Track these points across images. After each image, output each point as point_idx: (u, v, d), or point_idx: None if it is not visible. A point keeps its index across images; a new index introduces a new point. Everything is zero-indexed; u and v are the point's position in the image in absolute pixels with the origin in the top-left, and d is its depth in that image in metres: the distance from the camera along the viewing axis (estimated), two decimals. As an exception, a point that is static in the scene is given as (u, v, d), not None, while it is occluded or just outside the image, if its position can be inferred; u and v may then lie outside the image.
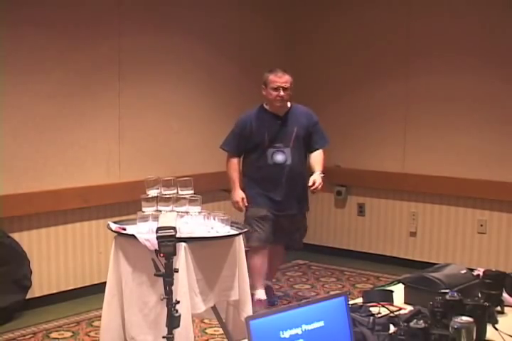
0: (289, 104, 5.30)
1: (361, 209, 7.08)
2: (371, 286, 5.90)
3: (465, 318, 2.26)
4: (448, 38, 6.38)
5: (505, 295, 2.82)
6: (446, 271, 2.90)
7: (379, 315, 2.59)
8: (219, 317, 4.20)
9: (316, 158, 5.30)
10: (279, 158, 5.19)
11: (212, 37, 6.60)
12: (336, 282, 6.36)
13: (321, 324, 2.01)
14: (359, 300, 2.83)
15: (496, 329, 2.46)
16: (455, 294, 2.47)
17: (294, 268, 6.81)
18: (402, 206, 6.81)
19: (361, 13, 6.94)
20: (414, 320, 2.27)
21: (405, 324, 2.28)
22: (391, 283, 3.17)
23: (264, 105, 5.29)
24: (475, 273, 2.96)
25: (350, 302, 2.78)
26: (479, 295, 2.73)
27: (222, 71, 6.74)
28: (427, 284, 2.79)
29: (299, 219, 5.46)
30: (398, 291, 2.92)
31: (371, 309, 2.66)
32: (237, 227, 4.10)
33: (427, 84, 6.55)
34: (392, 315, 2.57)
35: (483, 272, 2.87)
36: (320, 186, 5.10)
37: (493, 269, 2.89)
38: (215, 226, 3.99)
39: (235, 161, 5.32)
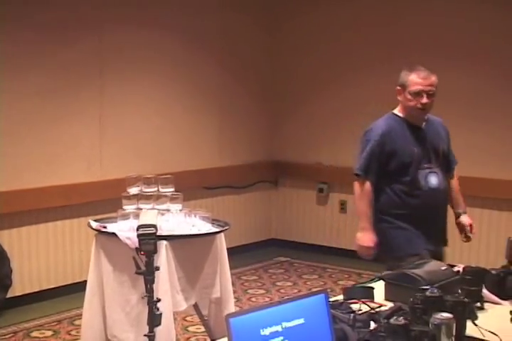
0: None
1: (343, 206, 7.09)
2: (353, 283, 5.92)
3: (445, 314, 2.27)
4: (432, 39, 6.41)
5: (484, 291, 2.84)
6: (427, 268, 2.91)
7: (360, 312, 2.60)
8: (201, 314, 4.20)
9: (457, 187, 4.20)
10: (434, 181, 3.92)
11: (195, 34, 6.58)
12: (318, 279, 6.37)
13: (301, 321, 2.01)
14: (340, 297, 2.84)
15: (476, 325, 2.47)
16: (435, 290, 2.47)
17: (276, 266, 6.81)
18: (384, 203, 6.81)
19: (338, 9, 6.94)
20: (395, 317, 2.28)
21: (386, 320, 2.28)
22: (372, 280, 3.18)
23: (397, 112, 4.00)
24: (455, 269, 2.96)
25: (332, 299, 2.79)
26: (459, 291, 2.73)
27: (205, 68, 6.73)
28: (407, 281, 2.80)
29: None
30: (379, 288, 2.93)
31: (352, 306, 2.67)
32: (218, 225, 4.09)
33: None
34: (372, 311, 2.58)
35: (463, 268, 2.87)
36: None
37: (473, 265, 2.90)
38: (197, 224, 3.99)
39: (369, 192, 3.91)
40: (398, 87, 3.94)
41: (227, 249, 4.19)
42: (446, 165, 4.06)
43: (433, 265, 2.97)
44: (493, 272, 2.88)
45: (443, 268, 2.95)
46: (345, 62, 6.95)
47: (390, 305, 2.70)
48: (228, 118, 7.00)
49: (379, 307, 2.68)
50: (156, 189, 4.04)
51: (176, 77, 6.49)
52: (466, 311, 2.45)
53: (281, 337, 1.97)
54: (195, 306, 4.09)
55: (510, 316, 2.64)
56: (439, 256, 3.89)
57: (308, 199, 7.29)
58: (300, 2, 7.20)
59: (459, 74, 6.20)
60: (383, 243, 3.95)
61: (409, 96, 3.86)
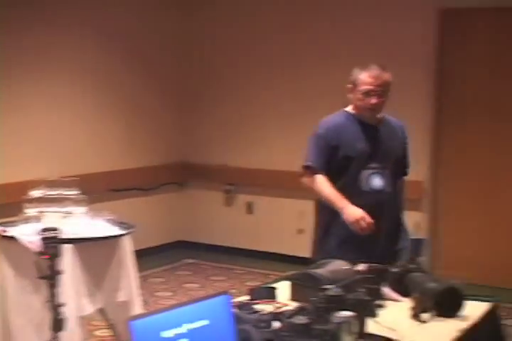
0: None
1: (250, 208, 7.14)
2: (260, 284, 5.95)
3: (346, 313, 2.33)
4: (341, 38, 6.52)
5: (385, 289, 2.91)
6: (330, 267, 2.97)
7: (264, 312, 2.62)
8: (107, 318, 4.15)
9: (404, 192, 3.98)
10: (377, 182, 3.75)
11: (101, 31, 6.46)
12: (225, 280, 6.39)
13: (205, 322, 2.02)
14: (246, 298, 2.86)
15: (376, 322, 2.53)
16: (337, 290, 2.53)
17: (183, 268, 6.80)
18: (291, 204, 6.90)
19: (248, 9, 6.98)
20: (297, 316, 2.32)
21: (288, 320, 2.32)
22: (277, 281, 3.22)
23: (350, 110, 3.84)
24: (358, 268, 3.03)
25: (237, 299, 2.82)
26: (361, 290, 2.79)
27: (111, 68, 6.64)
28: (311, 280, 2.85)
29: None
30: (284, 288, 2.97)
31: (257, 306, 2.70)
32: (123, 227, 4.06)
33: (319, 84, 6.60)
34: (276, 311, 2.61)
35: (365, 267, 2.94)
36: None
37: (375, 264, 2.98)
38: (102, 227, 3.95)
39: (323, 180, 3.74)
40: (349, 85, 3.75)
41: (135, 252, 4.15)
42: (399, 169, 3.88)
43: (336, 264, 3.03)
44: (394, 270, 2.96)
45: (346, 267, 3.02)
46: (256, 64, 6.98)
47: (294, 304, 2.74)
48: (136, 120, 6.93)
49: (283, 307, 2.72)
50: (59, 192, 3.98)
51: (81, 78, 6.39)
52: (367, 309, 2.52)
53: (186, 339, 1.97)
54: (102, 310, 4.05)
55: (409, 312, 2.72)
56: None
57: (215, 201, 7.30)
58: (209, 2, 7.20)
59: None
60: (317, 243, 3.98)
61: (359, 96, 3.70)
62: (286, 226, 6.93)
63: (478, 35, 6.08)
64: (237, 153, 7.12)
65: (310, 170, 3.79)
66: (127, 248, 4.04)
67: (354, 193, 3.68)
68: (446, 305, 2.70)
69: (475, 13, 6.04)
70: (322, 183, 3.73)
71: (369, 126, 3.78)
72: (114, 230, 3.96)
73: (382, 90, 3.67)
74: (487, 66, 6.07)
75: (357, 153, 3.72)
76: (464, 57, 6.14)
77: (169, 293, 5.94)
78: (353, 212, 3.58)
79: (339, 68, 6.46)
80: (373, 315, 2.61)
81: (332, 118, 3.87)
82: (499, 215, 6.09)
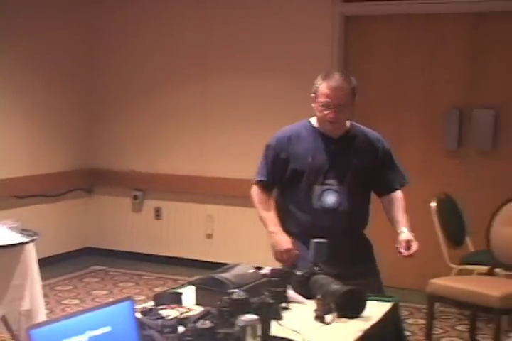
0: (348, 124, 3.56)
1: (158, 213, 7.10)
2: (168, 289, 5.93)
3: (250, 316, 2.35)
4: (244, 42, 6.59)
5: (290, 291, 2.95)
6: (235, 271, 2.98)
7: (169, 317, 2.62)
8: (9, 328, 4.06)
9: (399, 205, 3.54)
10: (330, 200, 3.45)
11: (4, 34, 6.34)
12: (134, 286, 6.34)
13: (107, 329, 2.01)
14: (151, 304, 2.85)
15: (280, 324, 2.56)
16: (241, 293, 2.55)
17: (91, 275, 6.70)
18: (199, 208, 6.91)
19: (155, 14, 6.95)
20: (201, 321, 2.32)
21: (192, 324, 2.32)
22: (182, 285, 3.22)
23: (312, 121, 3.57)
24: (262, 271, 3.06)
25: (142, 305, 2.80)
26: (266, 293, 2.82)
27: (14, 71, 6.51)
28: (216, 285, 2.85)
29: None
30: (190, 293, 2.97)
31: (162, 312, 2.69)
32: (27, 235, 3.98)
33: (224, 87, 6.68)
34: (181, 316, 2.61)
35: (270, 270, 2.97)
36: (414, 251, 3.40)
37: (280, 267, 3.01)
38: (4, 235, 3.86)
39: (259, 193, 3.57)
40: (312, 94, 3.45)
41: (40, 259, 4.08)
42: (375, 185, 3.56)
43: (241, 268, 3.05)
44: (298, 273, 3.00)
45: (251, 271, 3.04)
46: (160, 67, 6.96)
47: (200, 309, 2.74)
48: (41, 125, 6.80)
49: (188, 311, 2.72)
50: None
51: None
52: (271, 312, 2.54)
53: (88, 346, 1.95)
54: (4, 319, 3.96)
55: (313, 314, 2.76)
56: None
57: (123, 207, 7.23)
58: (115, 3, 7.12)
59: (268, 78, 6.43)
60: None
61: (318, 107, 3.41)
62: (195, 231, 6.93)
63: (380, 39, 6.26)
64: (144, 159, 7.08)
65: (254, 182, 3.59)
66: (31, 256, 3.97)
67: (305, 210, 3.45)
68: (349, 306, 2.75)
69: (376, 19, 6.23)
70: (259, 200, 3.55)
71: (329, 138, 3.48)
72: (17, 238, 3.88)
73: (341, 104, 3.36)
74: (388, 70, 6.24)
75: (308, 167, 3.44)
76: (366, 60, 6.30)
77: (77, 301, 5.85)
78: (278, 242, 3.40)
79: (248, 73, 6.58)
80: (278, 317, 2.64)
81: (288, 129, 3.61)
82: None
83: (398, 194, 3.58)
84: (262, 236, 6.54)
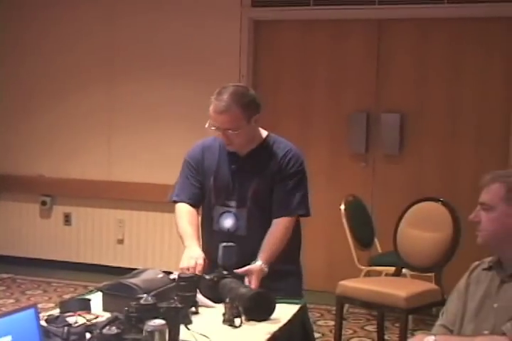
0: (263, 135, 3.27)
1: (67, 219, 6.98)
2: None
3: (158, 321, 2.33)
4: (152, 44, 6.56)
5: (199, 296, 2.94)
6: (144, 276, 2.95)
7: (76, 325, 2.58)
8: None
9: (273, 235, 3.15)
10: (228, 223, 3.23)
11: None
12: (42, 294, 6.21)
13: (8, 338, 1.96)
14: (57, 311, 2.80)
15: (188, 329, 2.56)
16: (149, 298, 2.53)
17: (-3, 283, 6.55)
18: (109, 214, 6.83)
19: (63, 16, 6.84)
20: (108, 327, 2.30)
21: (99, 331, 2.30)
22: (91, 292, 3.18)
23: None
24: (171, 276, 3.04)
25: (48, 313, 2.74)
26: (175, 297, 2.81)
27: None
28: (124, 290, 2.82)
29: None
30: (98, 299, 2.93)
31: (69, 319, 2.64)
32: None
33: (130, 90, 6.65)
34: (88, 323, 2.57)
35: (179, 275, 2.96)
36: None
37: (188, 272, 3.00)
38: None
39: (185, 213, 3.27)
40: None
41: None
42: (268, 207, 3.19)
43: (150, 273, 3.02)
44: (207, 277, 3.00)
45: (160, 275, 3.01)
46: (68, 71, 6.86)
47: (108, 315, 2.71)
48: None
49: (95, 318, 2.68)
50: None
51: None
52: (180, 316, 2.53)
53: (-11, 357, 1.90)
54: None
55: (222, 318, 2.77)
56: None
57: (31, 213, 7.07)
58: (17, 5, 6.96)
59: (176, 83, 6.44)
60: None
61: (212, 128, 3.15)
62: (106, 236, 6.86)
63: (288, 44, 6.34)
64: (53, 163, 6.96)
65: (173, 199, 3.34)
66: None
67: (208, 231, 3.28)
68: (257, 309, 2.77)
69: (284, 24, 6.31)
70: (177, 217, 3.28)
71: (234, 156, 3.23)
72: None
73: (229, 128, 3.09)
74: (296, 74, 6.33)
75: (211, 186, 3.23)
76: (275, 65, 6.36)
77: (-18, 310, 5.69)
78: (186, 257, 3.08)
79: (155, 75, 6.55)
80: (187, 322, 2.63)
81: (201, 142, 3.37)
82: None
83: (281, 223, 3.16)
84: (173, 241, 6.57)
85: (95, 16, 6.73)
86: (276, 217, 3.17)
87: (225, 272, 3.01)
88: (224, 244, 3.06)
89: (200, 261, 3.03)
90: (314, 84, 6.32)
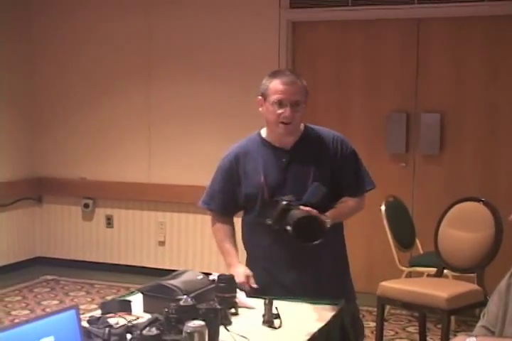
0: (302, 127, 3.28)
1: (109, 221, 7.05)
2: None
3: (197, 322, 2.35)
4: (190, 48, 6.60)
5: (239, 296, 2.96)
6: (183, 278, 2.98)
7: (117, 326, 2.61)
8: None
9: (345, 202, 3.27)
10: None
11: None
12: (85, 296, 6.28)
13: (50, 339, 1.99)
14: (98, 312, 2.83)
15: (228, 330, 2.57)
16: (189, 299, 2.55)
17: (42, 285, 6.62)
18: (150, 216, 6.88)
19: (102, 22, 6.91)
20: (148, 328, 2.32)
21: (139, 332, 2.32)
22: (131, 293, 3.21)
23: (261, 133, 3.31)
24: (211, 277, 3.06)
25: (90, 314, 2.78)
26: (214, 298, 2.83)
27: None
28: (164, 292, 2.85)
29: None
30: (139, 301, 2.96)
31: (109, 320, 2.68)
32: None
33: (169, 93, 6.69)
34: (129, 324, 2.60)
35: (218, 276, 2.98)
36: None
37: (227, 273, 3.01)
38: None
39: (219, 226, 3.36)
40: (259, 97, 3.20)
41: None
42: (332, 194, 3.18)
43: (189, 275, 3.04)
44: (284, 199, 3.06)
45: (199, 277, 3.04)
46: (106, 75, 6.92)
47: (148, 316, 2.73)
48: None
49: (136, 319, 2.71)
50: None
51: None
52: (219, 317, 2.54)
53: (31, 357, 1.94)
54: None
55: (262, 319, 2.78)
56: None
57: (74, 215, 7.16)
58: (57, 12, 7.06)
59: (213, 86, 6.47)
60: None
61: (270, 108, 3.13)
62: (147, 238, 6.91)
63: (326, 45, 6.33)
64: (95, 166, 7.03)
65: (211, 214, 3.36)
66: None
67: (264, 232, 3.18)
68: (306, 231, 2.91)
69: (322, 25, 6.30)
70: (214, 230, 3.36)
71: (280, 150, 3.21)
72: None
73: (297, 100, 3.12)
74: (334, 75, 6.31)
75: (262, 185, 3.18)
76: (313, 66, 6.35)
77: (26, 312, 5.77)
78: (237, 275, 3.10)
79: (193, 79, 6.58)
80: (226, 323, 2.65)
81: (237, 146, 3.32)
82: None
83: (354, 199, 3.28)
84: (213, 243, 6.57)
85: (133, 21, 6.78)
86: (340, 198, 3.24)
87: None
88: (315, 183, 3.08)
89: (248, 273, 3.18)
90: (352, 85, 6.30)
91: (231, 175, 3.26)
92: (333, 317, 2.87)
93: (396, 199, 5.57)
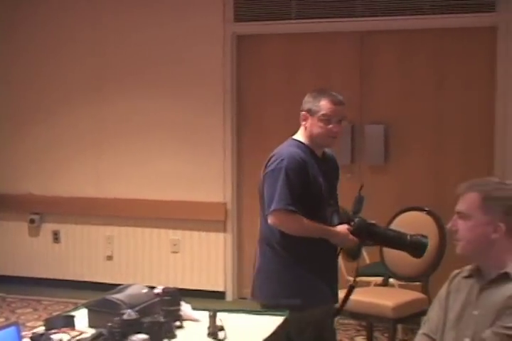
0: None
1: (56, 236, 6.96)
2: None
3: (140, 336, 2.36)
4: (138, 62, 6.60)
5: (184, 309, 2.96)
6: (128, 292, 2.97)
7: (60, 342, 2.59)
8: None
9: None
10: (336, 221, 3.52)
11: None
12: (32, 312, 6.19)
13: (-10, 356, 1.98)
14: (42, 329, 2.81)
15: (172, 343, 2.58)
16: (132, 313, 2.55)
17: (-13, 303, 6.53)
18: (98, 230, 6.83)
19: (52, 35, 6.87)
20: (91, 343, 2.31)
21: (82, 347, 2.31)
22: (76, 308, 3.19)
23: (300, 139, 3.53)
24: (155, 291, 3.06)
25: (33, 330, 2.76)
26: (159, 312, 2.83)
27: None
28: (109, 306, 2.84)
29: None
30: (84, 316, 2.94)
31: (53, 336, 2.66)
32: None
33: (121, 108, 6.66)
34: (72, 340, 2.59)
35: (163, 290, 2.98)
36: None
37: (172, 286, 3.02)
38: None
39: (303, 218, 3.37)
40: (303, 112, 3.52)
41: None
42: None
43: (135, 288, 3.04)
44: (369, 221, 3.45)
45: (144, 290, 3.03)
46: (58, 89, 6.86)
47: (93, 331, 2.72)
48: None
49: (79, 334, 2.69)
50: None
51: None
52: (163, 331, 2.55)
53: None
54: None
55: (206, 331, 2.78)
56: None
57: (19, 231, 7.06)
58: (13, 27, 7.00)
59: (167, 101, 6.48)
60: (279, 288, 3.40)
61: (319, 123, 3.44)
62: (95, 253, 6.85)
63: (271, 58, 6.38)
64: (42, 181, 6.95)
65: (285, 212, 3.34)
66: None
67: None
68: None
69: (267, 38, 6.36)
70: (303, 220, 3.35)
71: (317, 157, 3.51)
72: None
73: (343, 117, 3.51)
74: (280, 88, 6.36)
75: (320, 189, 3.43)
76: (259, 79, 6.41)
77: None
78: (342, 232, 3.46)
79: (142, 94, 6.58)
80: (170, 336, 2.65)
81: (293, 150, 3.44)
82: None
83: None
84: (162, 257, 6.59)
85: (80, 35, 6.75)
86: None
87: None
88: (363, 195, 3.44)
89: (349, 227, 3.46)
90: (298, 98, 6.31)
91: (300, 177, 3.38)
92: (279, 327, 2.89)
93: (343, 210, 5.61)
